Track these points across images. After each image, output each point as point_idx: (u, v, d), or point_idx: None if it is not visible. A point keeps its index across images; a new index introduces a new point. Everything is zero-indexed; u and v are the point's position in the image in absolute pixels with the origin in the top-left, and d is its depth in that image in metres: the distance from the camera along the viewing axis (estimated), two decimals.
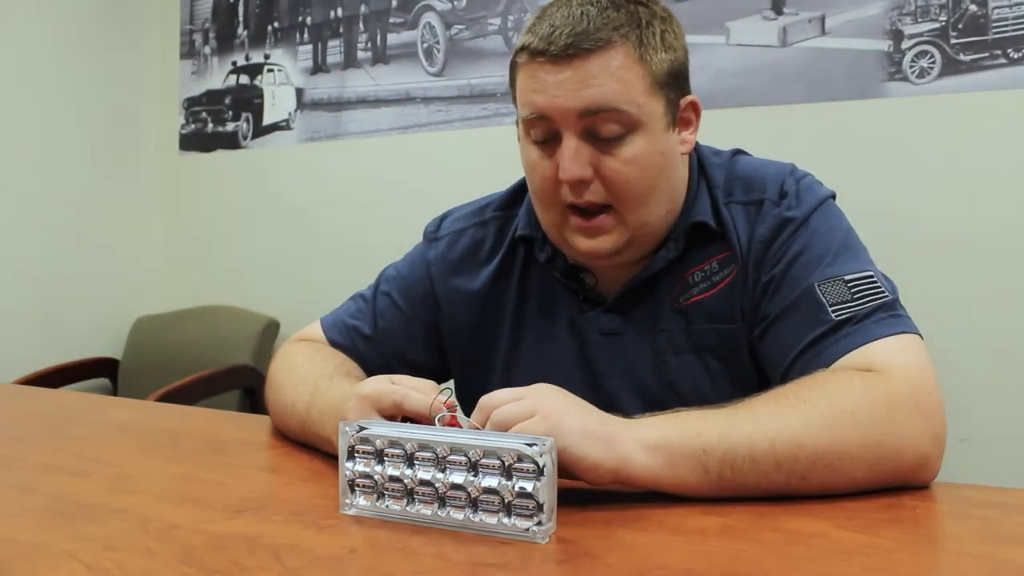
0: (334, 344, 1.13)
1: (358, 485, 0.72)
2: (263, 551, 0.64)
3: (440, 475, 0.68)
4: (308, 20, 2.91)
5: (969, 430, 1.82)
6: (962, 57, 1.92)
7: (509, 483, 0.65)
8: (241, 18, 3.07)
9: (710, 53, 2.19)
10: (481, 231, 1.12)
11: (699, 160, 1.04)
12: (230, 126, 3.08)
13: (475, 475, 0.67)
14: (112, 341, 3.03)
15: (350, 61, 2.83)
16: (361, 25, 2.80)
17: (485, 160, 2.40)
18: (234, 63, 3.09)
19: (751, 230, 0.97)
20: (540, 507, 0.65)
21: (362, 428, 0.72)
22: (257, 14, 3.04)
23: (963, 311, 1.90)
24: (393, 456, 0.70)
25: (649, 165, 0.93)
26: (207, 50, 3.15)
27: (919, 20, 1.96)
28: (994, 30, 1.89)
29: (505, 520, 0.66)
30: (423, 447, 0.69)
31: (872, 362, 0.82)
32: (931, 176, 1.96)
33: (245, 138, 3.05)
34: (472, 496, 0.67)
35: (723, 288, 0.98)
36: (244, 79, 3.07)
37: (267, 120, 3.00)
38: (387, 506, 0.71)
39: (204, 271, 3.14)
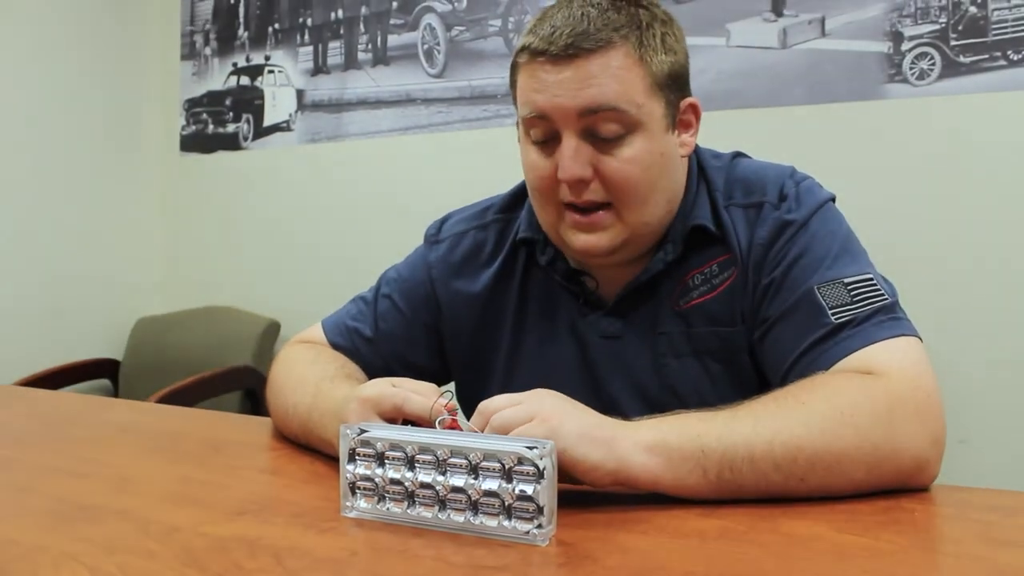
0: (335, 346, 1.13)
1: (359, 488, 0.72)
2: (264, 553, 0.64)
3: (441, 478, 0.68)
4: (309, 21, 2.91)
5: (969, 432, 1.83)
6: (962, 59, 1.93)
7: (509, 486, 0.66)
8: (242, 19, 3.07)
9: (710, 55, 2.19)
10: (482, 234, 1.12)
11: (699, 163, 1.04)
12: (231, 127, 3.08)
13: (475, 478, 0.67)
14: (113, 342, 3.03)
15: (351, 62, 2.83)
16: (362, 26, 2.81)
17: (485, 161, 2.41)
18: (235, 64, 3.09)
19: (751, 233, 0.97)
20: (540, 510, 0.65)
21: (363, 431, 0.72)
22: (258, 15, 3.04)
23: (963, 313, 1.90)
24: (394, 459, 0.70)
25: (649, 165, 0.94)
26: (208, 51, 3.16)
27: (919, 22, 1.97)
28: (994, 32, 1.90)
29: (505, 523, 0.66)
30: (424, 450, 0.69)
31: (871, 365, 0.83)
32: (931, 178, 1.96)
33: (246, 139, 3.05)
34: (472, 499, 0.67)
35: (723, 291, 0.98)
36: (245, 80, 3.07)
37: (268, 121, 3.00)
38: (388, 509, 0.71)
39: (205, 272, 3.14)
